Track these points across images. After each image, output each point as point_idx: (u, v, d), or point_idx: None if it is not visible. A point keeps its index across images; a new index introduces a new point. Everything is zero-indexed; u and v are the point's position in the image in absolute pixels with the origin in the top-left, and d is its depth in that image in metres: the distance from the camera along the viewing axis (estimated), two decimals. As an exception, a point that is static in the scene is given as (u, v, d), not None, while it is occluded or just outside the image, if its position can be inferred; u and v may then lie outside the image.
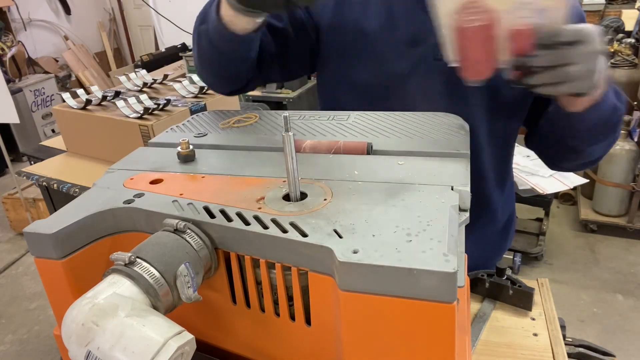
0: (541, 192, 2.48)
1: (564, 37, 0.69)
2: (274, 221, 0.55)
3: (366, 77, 1.00)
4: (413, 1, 0.95)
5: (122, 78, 1.97)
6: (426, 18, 0.92)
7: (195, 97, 1.78)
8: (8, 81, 3.95)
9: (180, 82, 1.86)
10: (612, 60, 2.93)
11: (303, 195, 0.61)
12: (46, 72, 5.16)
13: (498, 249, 1.19)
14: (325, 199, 0.59)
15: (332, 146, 0.75)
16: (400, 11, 0.96)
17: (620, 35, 3.02)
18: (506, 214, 1.16)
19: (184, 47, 4.24)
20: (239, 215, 0.57)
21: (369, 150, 0.74)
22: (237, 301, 0.60)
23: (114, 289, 0.48)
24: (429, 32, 0.92)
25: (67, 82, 5.41)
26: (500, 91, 0.94)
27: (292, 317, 0.57)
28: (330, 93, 1.10)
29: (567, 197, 3.37)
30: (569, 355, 0.87)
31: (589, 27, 0.72)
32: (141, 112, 1.62)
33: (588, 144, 0.94)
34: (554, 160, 1.07)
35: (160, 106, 1.66)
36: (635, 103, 2.79)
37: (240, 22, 0.82)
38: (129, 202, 0.62)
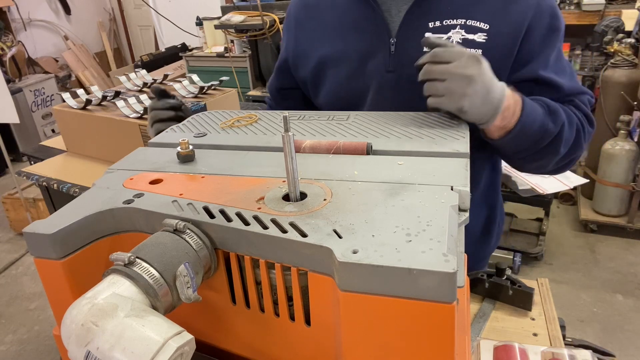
0: (541, 192, 2.48)
1: (436, 56, 0.78)
2: (273, 221, 0.55)
3: (329, 100, 1.06)
4: (361, 17, 0.99)
5: (122, 78, 1.96)
6: (374, 32, 0.96)
7: (195, 97, 1.78)
8: (8, 81, 3.95)
9: (180, 82, 1.86)
10: (612, 61, 2.93)
11: (303, 196, 0.60)
12: (46, 72, 5.16)
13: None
14: (324, 199, 0.59)
15: (331, 146, 0.75)
16: (350, 29, 1.01)
17: (620, 35, 3.02)
18: (479, 224, 1.13)
19: (184, 47, 4.24)
20: (239, 215, 0.57)
21: (369, 150, 0.73)
22: (237, 301, 0.60)
23: (114, 289, 0.48)
24: (378, 47, 0.97)
25: (67, 82, 5.41)
26: None
27: (292, 317, 0.56)
28: None
29: (567, 197, 3.37)
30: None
31: (461, 50, 0.78)
32: (141, 112, 1.62)
33: (524, 162, 0.96)
34: (513, 166, 1.06)
35: (160, 106, 1.66)
36: (635, 103, 2.79)
37: None
38: (128, 202, 0.62)
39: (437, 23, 0.92)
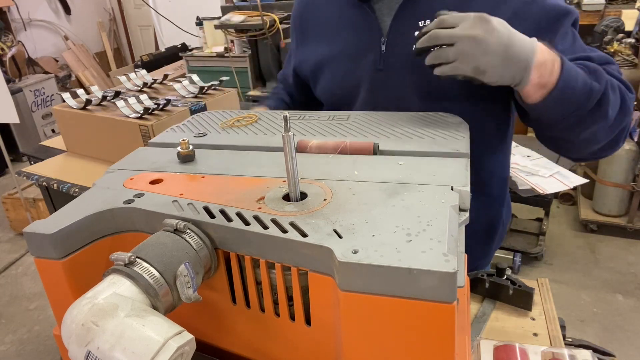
0: (541, 192, 2.47)
1: (439, 22, 0.76)
2: (273, 221, 0.55)
3: (325, 96, 1.09)
4: (356, 17, 1.00)
5: (122, 78, 1.96)
6: (368, 31, 0.99)
7: (195, 97, 1.78)
8: (8, 81, 3.95)
9: (180, 82, 1.86)
10: (612, 60, 2.93)
11: (303, 195, 0.60)
12: (46, 72, 5.16)
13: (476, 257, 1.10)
14: (325, 199, 0.59)
15: (338, 146, 0.75)
16: (346, 28, 1.02)
17: (620, 35, 3.01)
18: (484, 221, 1.09)
19: (183, 47, 4.24)
20: (239, 215, 0.57)
21: (376, 151, 0.73)
22: (237, 301, 0.60)
23: (114, 289, 0.48)
24: (370, 46, 0.99)
25: (67, 82, 5.41)
26: (445, 99, 0.93)
27: (292, 317, 0.57)
28: None
29: (567, 197, 3.37)
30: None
31: (466, 14, 0.76)
32: (141, 112, 1.62)
33: (573, 132, 0.87)
34: (564, 152, 0.98)
35: (160, 106, 1.66)
36: (635, 103, 2.79)
37: None
38: (128, 202, 0.62)
39: (427, 21, 0.91)
